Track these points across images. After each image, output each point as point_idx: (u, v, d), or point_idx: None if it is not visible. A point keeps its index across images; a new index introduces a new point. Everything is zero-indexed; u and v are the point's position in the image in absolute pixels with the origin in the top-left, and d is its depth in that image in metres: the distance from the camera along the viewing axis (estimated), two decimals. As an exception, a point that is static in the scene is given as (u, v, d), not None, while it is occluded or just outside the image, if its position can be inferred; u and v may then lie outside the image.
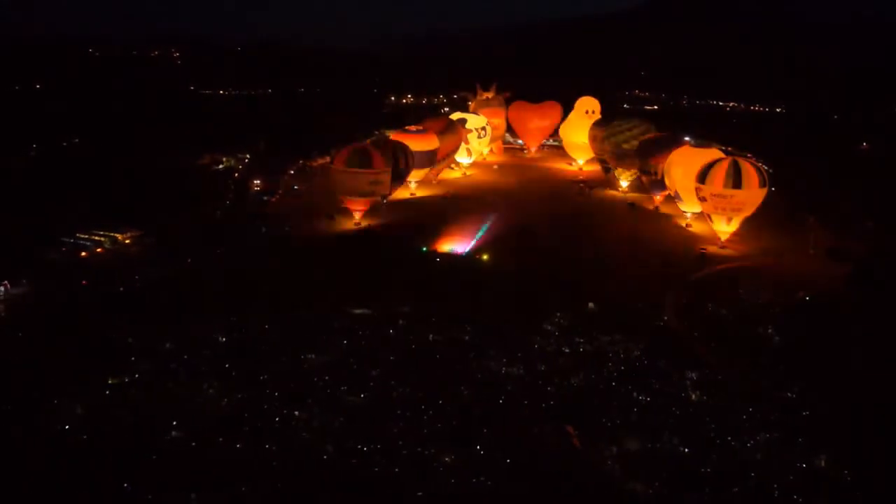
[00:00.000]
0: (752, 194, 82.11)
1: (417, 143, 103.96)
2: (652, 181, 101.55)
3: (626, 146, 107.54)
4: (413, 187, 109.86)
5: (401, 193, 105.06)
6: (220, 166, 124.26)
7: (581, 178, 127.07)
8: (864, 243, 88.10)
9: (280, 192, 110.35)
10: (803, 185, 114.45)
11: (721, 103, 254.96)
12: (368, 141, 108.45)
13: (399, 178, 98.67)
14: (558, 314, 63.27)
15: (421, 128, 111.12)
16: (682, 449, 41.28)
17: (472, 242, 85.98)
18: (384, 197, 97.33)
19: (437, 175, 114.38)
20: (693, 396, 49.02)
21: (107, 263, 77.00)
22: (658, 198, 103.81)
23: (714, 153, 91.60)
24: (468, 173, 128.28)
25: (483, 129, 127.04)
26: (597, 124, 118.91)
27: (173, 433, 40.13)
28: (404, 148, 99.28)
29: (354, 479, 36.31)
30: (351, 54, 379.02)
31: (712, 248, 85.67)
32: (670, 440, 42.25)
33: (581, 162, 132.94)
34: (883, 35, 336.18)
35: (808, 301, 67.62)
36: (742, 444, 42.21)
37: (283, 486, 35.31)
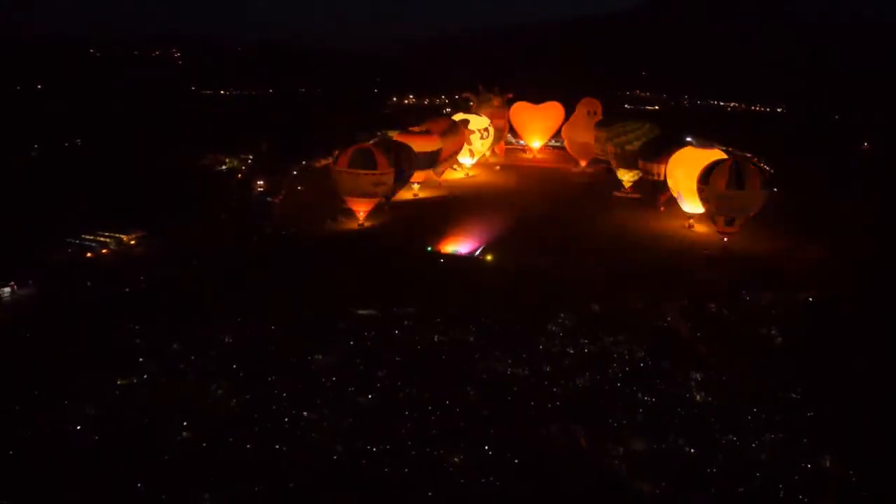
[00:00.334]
0: (755, 195, 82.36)
1: (420, 143, 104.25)
2: (654, 182, 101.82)
3: (629, 147, 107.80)
4: (416, 188, 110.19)
5: (404, 194, 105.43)
6: (224, 167, 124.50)
7: (583, 178, 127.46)
8: (866, 244, 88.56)
9: (283, 192, 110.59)
10: (804, 186, 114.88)
11: (722, 103, 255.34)
12: (371, 142, 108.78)
13: (402, 180, 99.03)
14: (562, 315, 63.56)
15: (424, 129, 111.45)
16: (687, 449, 41.58)
17: (477, 244, 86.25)
18: (388, 199, 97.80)
19: (440, 175, 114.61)
20: (698, 397, 49.34)
21: (112, 264, 77.35)
22: (662, 199, 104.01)
23: (716, 154, 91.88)
24: (471, 174, 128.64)
25: (486, 129, 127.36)
26: (600, 125, 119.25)
27: (184, 434, 40.42)
28: (407, 149, 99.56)
29: (364, 480, 36.59)
30: (352, 54, 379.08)
31: (714, 249, 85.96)
32: (676, 441, 42.56)
33: (583, 163, 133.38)
34: (884, 35, 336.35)
35: (810, 302, 67.86)
36: (747, 445, 42.48)
37: (295, 486, 35.59)
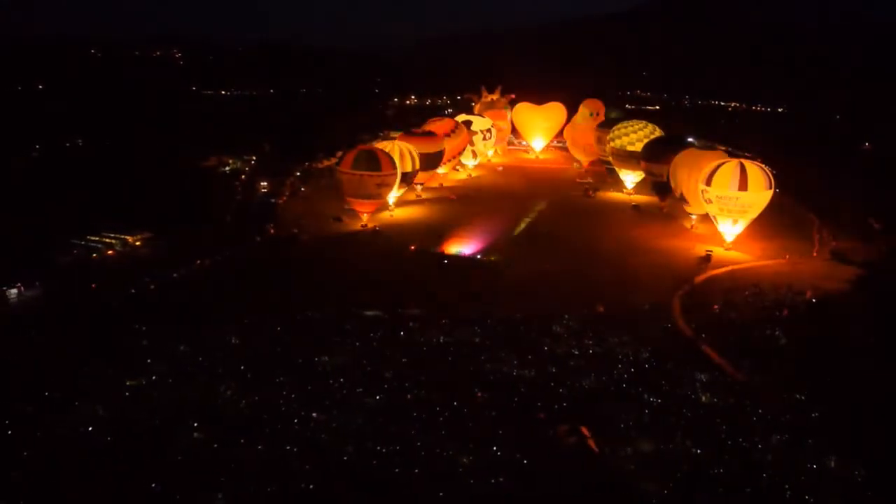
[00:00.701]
0: (759, 196, 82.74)
1: (423, 145, 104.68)
2: (656, 183, 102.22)
3: (630, 148, 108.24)
4: (419, 189, 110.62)
5: (407, 195, 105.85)
6: (227, 168, 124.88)
7: (586, 179, 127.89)
8: (868, 244, 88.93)
9: (286, 193, 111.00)
10: (806, 186, 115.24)
11: (723, 103, 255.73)
12: (374, 143, 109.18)
13: (406, 181, 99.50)
14: (566, 316, 63.85)
15: (427, 130, 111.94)
16: (694, 450, 41.82)
17: (480, 245, 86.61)
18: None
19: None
20: (703, 398, 49.56)
21: (117, 266, 77.72)
22: (665, 201, 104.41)
23: (719, 155, 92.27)
24: (473, 175, 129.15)
25: (488, 131, 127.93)
26: (602, 126, 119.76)
27: (195, 434, 40.70)
28: (411, 150, 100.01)
29: (375, 480, 36.88)
30: (352, 54, 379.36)
31: (718, 250, 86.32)
32: (683, 441, 42.79)
33: (585, 163, 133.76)
34: (885, 35, 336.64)
35: (814, 302, 68.14)
36: (753, 446, 42.70)
37: (306, 487, 35.89)
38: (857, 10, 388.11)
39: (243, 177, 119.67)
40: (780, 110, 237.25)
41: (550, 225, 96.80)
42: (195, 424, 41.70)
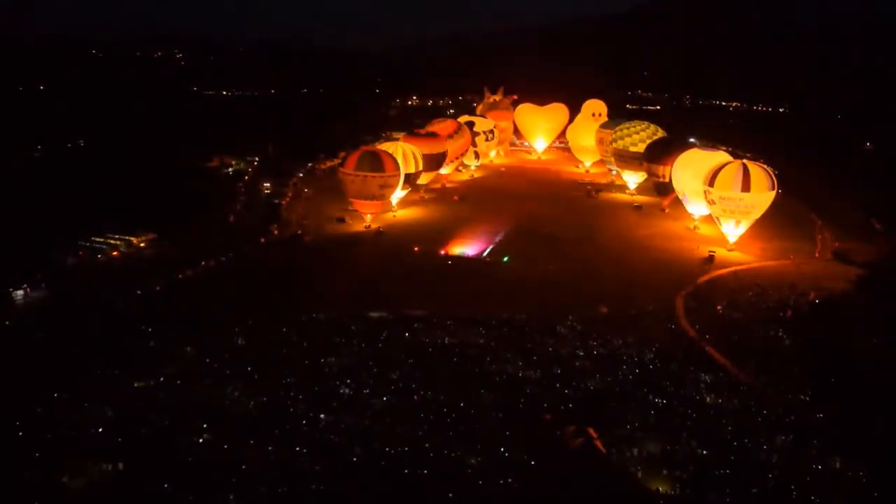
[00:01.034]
0: (762, 197, 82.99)
1: (427, 145, 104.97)
2: (659, 184, 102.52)
3: (633, 149, 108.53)
4: (422, 190, 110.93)
5: (410, 196, 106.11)
6: (230, 170, 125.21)
7: (588, 180, 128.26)
8: (870, 245, 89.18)
9: (290, 194, 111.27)
10: (808, 187, 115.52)
11: (724, 103, 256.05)
12: (378, 143, 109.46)
13: (409, 182, 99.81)
14: (571, 317, 64.09)
15: (430, 131, 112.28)
16: (700, 451, 42.08)
17: (484, 246, 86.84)
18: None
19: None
20: (708, 399, 49.81)
21: (123, 267, 77.96)
22: (666, 201, 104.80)
23: (722, 156, 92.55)
24: (475, 175, 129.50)
25: (491, 131, 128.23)
26: (604, 126, 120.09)
27: (204, 436, 40.96)
28: (414, 151, 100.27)
29: (385, 481, 37.14)
30: (353, 54, 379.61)
31: (720, 251, 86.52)
32: (688, 442, 43.05)
33: (588, 164, 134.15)
34: (886, 35, 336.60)
35: (817, 303, 68.37)
36: (758, 446, 42.95)
37: (317, 488, 36.17)
38: (857, 10, 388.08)
39: (246, 178, 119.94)
40: (781, 110, 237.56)
41: (553, 226, 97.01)
42: (204, 426, 41.95)
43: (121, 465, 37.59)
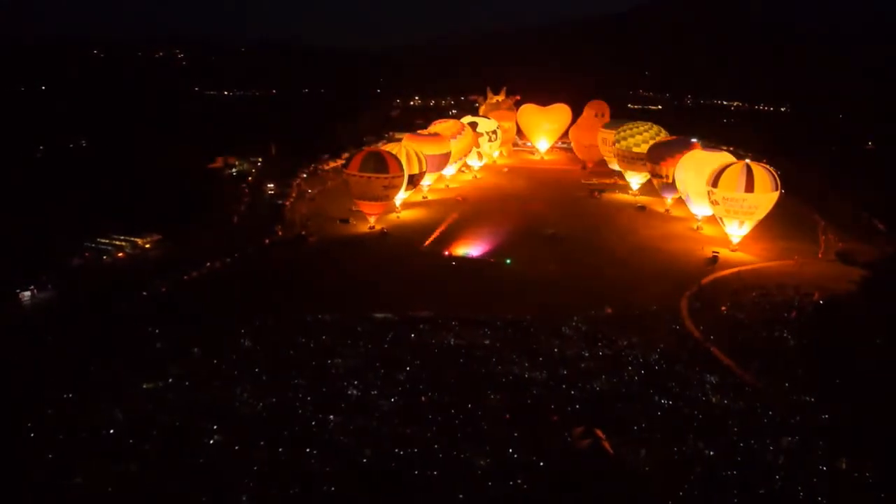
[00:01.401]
0: (765, 198, 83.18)
1: (430, 146, 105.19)
2: (662, 184, 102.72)
3: (636, 149, 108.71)
4: (425, 190, 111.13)
5: (413, 196, 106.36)
6: (234, 170, 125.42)
7: (591, 180, 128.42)
8: (873, 245, 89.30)
9: (293, 195, 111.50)
10: (810, 186, 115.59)
11: (725, 102, 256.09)
12: (381, 144, 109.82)
13: (413, 183, 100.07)
14: (575, 318, 64.30)
15: (433, 132, 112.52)
16: (707, 452, 42.30)
17: (487, 247, 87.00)
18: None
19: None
20: (714, 400, 50.03)
21: (128, 268, 78.16)
22: (669, 201, 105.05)
23: (725, 157, 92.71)
24: (478, 176, 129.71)
25: (494, 132, 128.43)
26: (607, 127, 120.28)
27: (215, 437, 41.22)
28: (417, 152, 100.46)
29: (395, 483, 37.39)
30: (354, 54, 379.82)
31: (724, 251, 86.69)
32: (695, 443, 43.28)
33: (590, 165, 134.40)
34: (886, 34, 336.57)
35: (821, 304, 68.54)
36: (765, 447, 43.16)
37: (328, 489, 36.42)
38: (858, 10, 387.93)
39: (250, 179, 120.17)
40: (782, 109, 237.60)
41: (556, 226, 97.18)
42: (214, 427, 42.20)
43: (133, 467, 37.78)
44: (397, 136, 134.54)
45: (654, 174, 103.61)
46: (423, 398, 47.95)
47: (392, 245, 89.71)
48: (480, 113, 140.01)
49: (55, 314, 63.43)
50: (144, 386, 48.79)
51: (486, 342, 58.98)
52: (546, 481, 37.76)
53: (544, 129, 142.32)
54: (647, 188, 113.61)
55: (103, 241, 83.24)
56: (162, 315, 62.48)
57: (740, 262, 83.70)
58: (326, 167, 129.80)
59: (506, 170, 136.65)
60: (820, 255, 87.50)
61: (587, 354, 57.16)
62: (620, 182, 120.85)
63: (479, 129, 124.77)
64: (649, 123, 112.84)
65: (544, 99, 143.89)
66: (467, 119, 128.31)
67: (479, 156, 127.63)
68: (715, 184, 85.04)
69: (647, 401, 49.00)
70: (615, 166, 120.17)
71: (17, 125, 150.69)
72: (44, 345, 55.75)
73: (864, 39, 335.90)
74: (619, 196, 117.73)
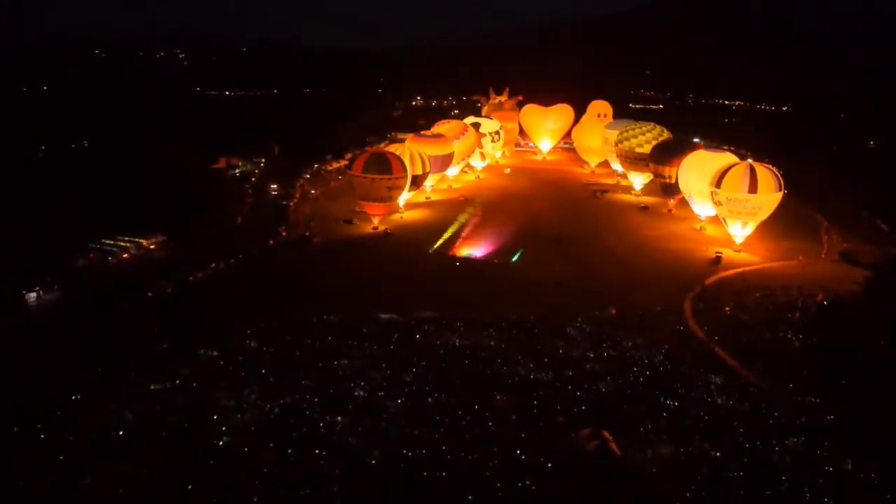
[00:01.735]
0: (769, 198, 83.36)
1: (433, 147, 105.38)
2: (665, 185, 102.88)
3: (639, 150, 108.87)
4: (428, 191, 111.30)
5: (416, 197, 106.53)
6: (237, 171, 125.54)
7: (593, 181, 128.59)
8: (876, 246, 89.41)
9: (297, 196, 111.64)
10: (812, 186, 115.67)
11: (727, 102, 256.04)
12: (383, 145, 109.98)
13: (416, 184, 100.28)
14: (579, 319, 64.48)
15: (436, 132, 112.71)
16: (713, 453, 42.49)
17: (491, 248, 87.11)
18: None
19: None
20: (719, 401, 50.21)
21: (133, 269, 78.32)
22: (672, 202, 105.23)
23: (729, 157, 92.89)
24: (481, 176, 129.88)
25: (497, 132, 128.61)
26: (609, 127, 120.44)
27: (225, 438, 41.41)
28: (421, 153, 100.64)
29: (405, 484, 37.58)
30: (355, 55, 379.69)
31: (727, 252, 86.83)
32: (701, 444, 43.47)
33: (593, 165, 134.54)
34: (887, 35, 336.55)
35: (825, 305, 68.68)
36: (770, 448, 43.35)
37: (338, 491, 36.61)
38: (858, 10, 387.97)
39: (253, 179, 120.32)
40: (784, 109, 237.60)
41: (559, 227, 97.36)
42: (223, 428, 42.39)
43: (142, 468, 37.95)
44: (400, 136, 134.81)
45: (657, 175, 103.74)
46: (429, 399, 48.15)
47: (396, 246, 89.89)
48: (483, 113, 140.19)
49: (61, 315, 63.57)
50: (152, 387, 48.96)
51: (491, 343, 59.20)
52: (554, 482, 37.87)
53: (547, 130, 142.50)
54: (649, 188, 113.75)
55: (108, 242, 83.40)
56: (167, 316, 62.67)
57: (743, 263, 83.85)
58: (329, 168, 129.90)
59: (508, 170, 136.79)
60: (823, 256, 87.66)
61: (592, 355, 57.36)
62: (623, 182, 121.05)
63: (481, 130, 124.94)
64: (652, 124, 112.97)
65: (545, 99, 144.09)
66: (470, 119, 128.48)
67: (482, 156, 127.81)
68: (718, 184, 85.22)
69: (652, 402, 49.18)
70: (617, 166, 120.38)
71: (18, 125, 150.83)
72: (50, 346, 55.88)
73: (864, 39, 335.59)
74: (622, 196, 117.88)
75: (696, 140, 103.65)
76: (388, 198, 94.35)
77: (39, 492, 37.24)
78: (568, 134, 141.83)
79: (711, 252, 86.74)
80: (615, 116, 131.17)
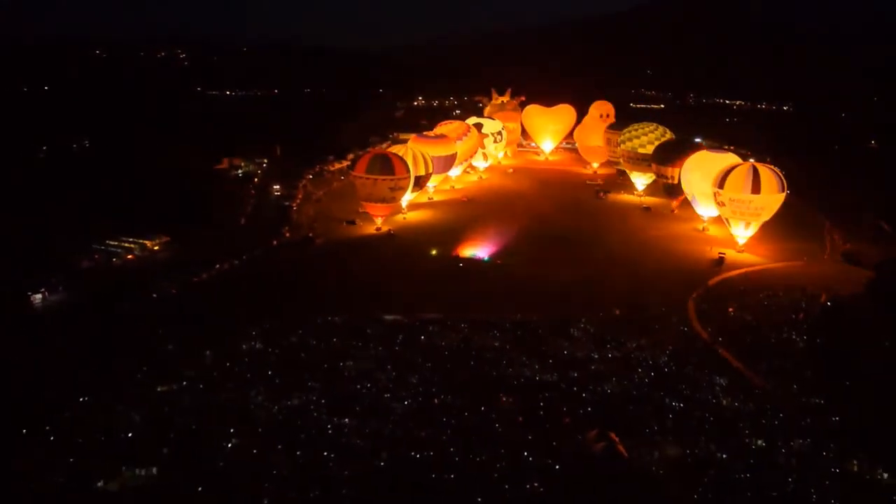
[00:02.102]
0: (772, 199, 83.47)
1: (436, 148, 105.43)
2: (668, 185, 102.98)
3: (641, 150, 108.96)
4: (431, 191, 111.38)
5: (419, 198, 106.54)
6: (239, 171, 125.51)
7: (596, 181, 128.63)
8: (879, 247, 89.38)
9: (300, 196, 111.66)
10: (813, 186, 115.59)
11: (727, 101, 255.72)
12: (386, 145, 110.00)
13: (419, 185, 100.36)
14: (583, 320, 64.55)
15: (439, 133, 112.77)
16: (720, 455, 42.62)
17: (494, 248, 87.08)
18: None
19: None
20: (724, 402, 50.33)
21: (138, 270, 78.32)
22: (674, 202, 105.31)
23: (731, 158, 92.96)
24: (483, 177, 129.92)
25: (499, 133, 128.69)
26: (612, 128, 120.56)
27: (233, 440, 41.52)
28: (424, 154, 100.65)
29: (413, 486, 37.70)
30: (356, 55, 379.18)
31: (730, 252, 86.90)
32: (707, 445, 43.60)
33: (596, 165, 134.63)
34: (887, 35, 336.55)
35: (829, 306, 68.78)
36: (776, 449, 43.48)
37: (347, 493, 36.73)
38: (858, 10, 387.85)
39: (256, 180, 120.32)
40: (785, 108, 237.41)
41: (562, 228, 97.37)
42: (231, 430, 42.49)
43: (154, 470, 38.06)
44: (402, 136, 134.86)
45: (660, 175, 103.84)
46: (435, 400, 48.26)
47: (399, 246, 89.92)
48: (485, 114, 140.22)
49: (66, 316, 63.57)
50: (159, 388, 49.06)
51: (496, 344, 59.33)
52: (561, 484, 37.99)
53: (549, 130, 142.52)
54: (652, 189, 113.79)
55: (112, 243, 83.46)
56: (172, 317, 62.66)
57: (746, 264, 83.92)
58: (332, 168, 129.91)
59: (511, 170, 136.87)
60: (826, 257, 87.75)
61: (597, 356, 57.51)
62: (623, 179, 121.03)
63: (484, 131, 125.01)
64: (654, 124, 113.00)
65: (546, 99, 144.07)
66: (472, 120, 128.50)
67: (485, 157, 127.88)
68: (721, 185, 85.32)
69: (657, 403, 49.35)
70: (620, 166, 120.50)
71: (19, 125, 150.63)
72: (55, 347, 55.91)
73: (864, 39, 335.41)
74: (625, 197, 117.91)
75: (697, 140, 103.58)
76: (390, 198, 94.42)
77: (49, 493, 37.30)
78: (570, 134, 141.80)
79: (714, 253, 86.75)
80: (616, 117, 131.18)
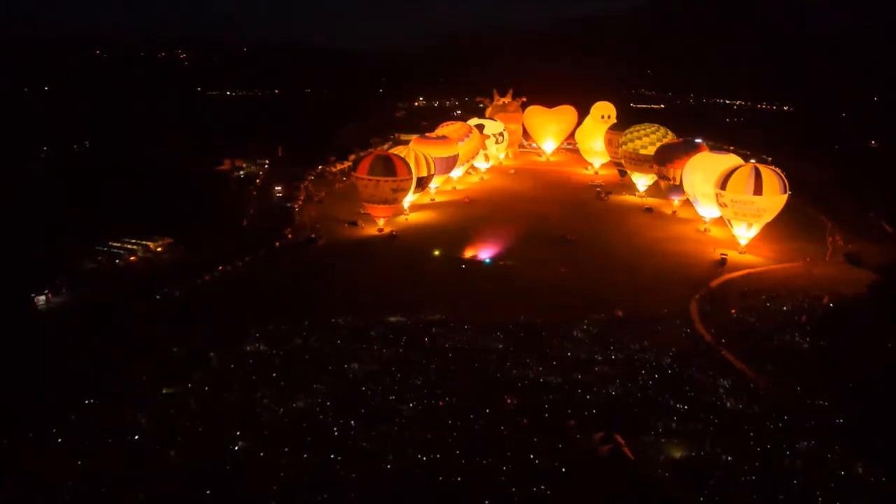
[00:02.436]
0: (774, 200, 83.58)
1: (438, 149, 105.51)
2: (669, 186, 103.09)
3: (643, 151, 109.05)
4: (433, 193, 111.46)
5: (421, 199, 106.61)
6: (242, 172, 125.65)
7: (597, 182, 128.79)
8: (881, 247, 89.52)
9: (302, 198, 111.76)
10: (815, 186, 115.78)
11: (728, 101, 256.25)
12: (388, 146, 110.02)
13: (421, 186, 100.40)
14: (586, 321, 64.64)
15: (440, 134, 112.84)
16: (725, 457, 42.68)
17: (496, 250, 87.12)
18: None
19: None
20: (728, 404, 50.40)
21: (141, 272, 78.39)
22: (676, 203, 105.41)
23: (733, 159, 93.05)
24: (485, 178, 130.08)
25: (500, 134, 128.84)
26: (613, 129, 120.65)
27: (240, 443, 41.59)
28: (426, 155, 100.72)
29: (421, 488, 37.78)
30: (355, 55, 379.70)
31: (732, 254, 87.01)
32: (712, 448, 43.66)
33: (597, 166, 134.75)
34: (887, 35, 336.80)
35: (831, 307, 68.87)
36: (781, 452, 43.54)
37: (355, 496, 36.81)
38: (858, 10, 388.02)
39: (258, 181, 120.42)
40: (785, 108, 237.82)
41: (564, 229, 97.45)
42: (238, 433, 42.56)
43: (159, 474, 38.13)
44: (404, 137, 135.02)
45: (661, 176, 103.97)
46: (440, 403, 48.31)
47: (401, 248, 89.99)
48: (487, 115, 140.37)
49: (70, 318, 63.62)
50: (164, 391, 49.11)
51: (500, 346, 59.36)
52: (568, 487, 38.07)
53: (551, 131, 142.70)
54: (653, 189, 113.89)
55: (115, 244, 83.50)
56: (176, 319, 62.73)
57: (748, 265, 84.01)
58: (334, 169, 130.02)
59: (512, 171, 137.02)
60: (828, 258, 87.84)
61: (600, 358, 57.51)
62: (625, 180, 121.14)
63: (485, 132, 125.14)
64: (656, 125, 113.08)
65: (547, 100, 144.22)
66: (474, 121, 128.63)
67: (486, 157, 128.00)
68: (723, 186, 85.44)
69: (662, 405, 49.33)
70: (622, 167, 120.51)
71: (19, 126, 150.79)
72: (60, 349, 55.96)
73: (865, 39, 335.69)
74: (626, 198, 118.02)
75: (698, 140, 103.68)
76: (392, 200, 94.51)
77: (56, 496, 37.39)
78: (571, 135, 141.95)
79: (716, 254, 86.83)
80: (617, 117, 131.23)
